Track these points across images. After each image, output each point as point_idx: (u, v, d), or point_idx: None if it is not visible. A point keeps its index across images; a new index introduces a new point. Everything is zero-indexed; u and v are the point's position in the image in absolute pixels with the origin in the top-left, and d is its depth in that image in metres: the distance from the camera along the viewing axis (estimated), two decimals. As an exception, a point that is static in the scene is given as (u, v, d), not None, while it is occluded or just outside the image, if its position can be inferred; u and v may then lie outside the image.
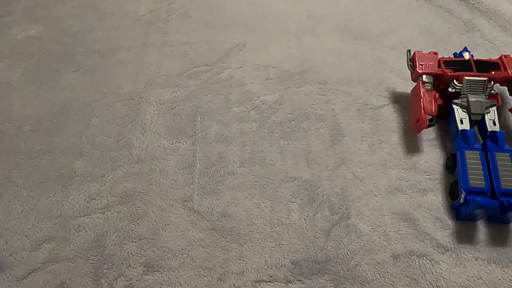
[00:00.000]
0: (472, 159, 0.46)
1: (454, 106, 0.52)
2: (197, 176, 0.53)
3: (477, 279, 0.44)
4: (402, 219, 0.48)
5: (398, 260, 0.45)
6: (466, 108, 0.51)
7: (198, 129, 0.59)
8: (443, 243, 0.46)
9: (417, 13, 0.76)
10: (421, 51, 0.57)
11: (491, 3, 0.75)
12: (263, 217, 0.49)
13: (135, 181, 0.53)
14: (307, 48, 0.70)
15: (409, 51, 0.58)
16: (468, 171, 0.46)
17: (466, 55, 0.58)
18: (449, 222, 0.48)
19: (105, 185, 0.53)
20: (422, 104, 0.51)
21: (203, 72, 0.67)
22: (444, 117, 0.55)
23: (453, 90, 0.53)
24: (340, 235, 0.47)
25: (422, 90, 0.53)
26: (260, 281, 0.44)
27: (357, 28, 0.73)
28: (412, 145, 0.55)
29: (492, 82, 0.54)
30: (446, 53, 0.67)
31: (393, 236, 0.47)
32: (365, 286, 0.44)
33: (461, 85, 0.53)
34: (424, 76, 0.55)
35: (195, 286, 0.44)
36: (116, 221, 0.49)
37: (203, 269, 0.45)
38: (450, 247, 0.46)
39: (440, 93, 0.54)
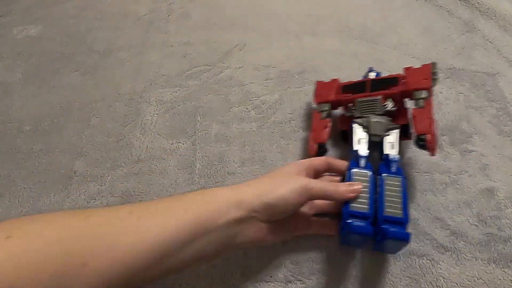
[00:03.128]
0: (360, 180, 0.43)
1: (355, 125, 0.49)
2: (197, 176, 0.53)
3: (477, 279, 0.44)
4: (402, 219, 0.48)
5: (398, 260, 0.45)
6: (367, 128, 0.49)
7: (198, 129, 0.59)
8: (443, 243, 0.46)
9: (417, 13, 0.76)
10: (323, 81, 0.57)
11: (491, 3, 0.75)
12: (263, 217, 0.49)
13: (135, 181, 0.53)
14: (307, 48, 0.70)
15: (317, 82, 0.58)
16: None
17: (371, 75, 0.56)
18: (449, 222, 0.48)
19: (105, 185, 0.53)
20: (312, 132, 0.52)
21: (203, 72, 0.67)
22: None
23: (349, 114, 0.51)
24: (340, 235, 0.47)
25: (315, 118, 0.53)
26: (260, 281, 0.44)
27: (357, 28, 0.73)
28: (411, 145, 0.55)
29: (391, 99, 0.50)
30: (446, 53, 0.68)
31: (393, 236, 0.47)
32: (365, 286, 0.44)
33: (355, 107, 0.51)
34: (321, 105, 0.54)
35: (195, 286, 0.44)
36: (116, 221, 0.49)
37: (203, 269, 0.45)
38: (450, 247, 0.46)
39: (348, 118, 0.52)
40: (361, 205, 0.40)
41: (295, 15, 0.76)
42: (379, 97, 0.49)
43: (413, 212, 0.49)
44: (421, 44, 0.70)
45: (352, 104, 0.51)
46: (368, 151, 0.46)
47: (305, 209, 0.45)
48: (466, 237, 0.47)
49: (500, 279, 0.44)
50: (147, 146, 0.57)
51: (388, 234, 0.38)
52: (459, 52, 0.68)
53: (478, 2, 0.75)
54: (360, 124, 0.49)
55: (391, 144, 0.47)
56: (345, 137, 0.54)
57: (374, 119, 0.48)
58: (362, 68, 0.66)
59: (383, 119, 0.48)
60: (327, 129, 0.51)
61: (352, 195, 0.40)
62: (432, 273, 0.44)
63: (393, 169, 0.43)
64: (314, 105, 0.56)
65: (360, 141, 0.47)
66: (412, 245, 0.46)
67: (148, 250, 0.31)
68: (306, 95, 0.62)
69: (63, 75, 0.68)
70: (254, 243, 0.40)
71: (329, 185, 0.40)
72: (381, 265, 0.45)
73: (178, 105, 0.62)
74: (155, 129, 0.59)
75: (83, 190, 0.53)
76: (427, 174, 0.52)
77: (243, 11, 0.78)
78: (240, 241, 0.37)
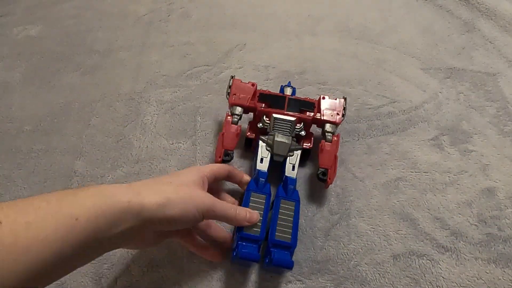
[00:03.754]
0: (256, 203, 0.43)
1: (260, 142, 0.49)
2: (197, 176, 0.53)
3: (477, 279, 0.44)
4: (402, 219, 0.49)
5: (398, 260, 0.45)
6: (271, 146, 0.48)
7: (198, 129, 0.59)
8: (443, 243, 0.46)
9: (417, 13, 0.76)
10: (240, 80, 0.54)
11: (491, 3, 0.75)
12: (263, 217, 0.49)
13: (135, 181, 0.53)
14: (307, 48, 0.70)
15: (232, 77, 0.55)
16: None
17: (288, 91, 0.55)
18: (449, 222, 0.48)
19: (105, 185, 0.53)
20: (222, 136, 0.50)
21: (203, 72, 0.67)
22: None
23: (261, 126, 0.51)
24: (340, 235, 0.47)
25: (226, 122, 0.51)
26: (261, 281, 0.44)
27: (357, 28, 0.73)
28: (411, 145, 0.55)
29: (302, 123, 0.50)
30: (446, 53, 0.68)
31: (393, 236, 0.47)
32: (365, 286, 0.44)
33: (269, 122, 0.50)
34: (234, 107, 0.52)
35: (195, 286, 0.44)
36: (116, 221, 0.49)
37: (203, 269, 0.45)
38: (450, 247, 0.46)
39: (257, 129, 0.52)
40: (254, 229, 0.41)
41: (295, 15, 0.76)
42: (295, 119, 0.50)
43: (413, 212, 0.49)
44: (421, 44, 0.70)
45: (266, 116, 0.51)
46: (267, 172, 0.47)
47: None
48: (466, 237, 0.47)
49: (500, 279, 0.44)
50: (147, 146, 0.57)
51: (274, 260, 0.39)
52: (459, 52, 0.68)
53: (478, 2, 0.75)
54: (264, 141, 0.49)
55: (291, 165, 0.47)
56: (250, 145, 0.53)
57: (279, 138, 0.49)
58: (362, 68, 0.66)
59: (287, 140, 0.49)
60: (237, 137, 0.50)
61: (248, 224, 0.41)
62: (432, 273, 0.44)
63: (290, 191, 0.45)
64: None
65: (263, 160, 0.48)
66: (412, 245, 0.46)
67: (22, 271, 0.26)
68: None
69: (63, 75, 0.68)
70: (133, 248, 0.44)
71: (230, 209, 0.40)
72: (381, 265, 0.45)
73: (178, 105, 0.62)
74: (155, 129, 0.59)
75: (83, 190, 0.53)
76: (427, 174, 0.52)
77: (243, 11, 0.78)
78: (121, 246, 0.35)
